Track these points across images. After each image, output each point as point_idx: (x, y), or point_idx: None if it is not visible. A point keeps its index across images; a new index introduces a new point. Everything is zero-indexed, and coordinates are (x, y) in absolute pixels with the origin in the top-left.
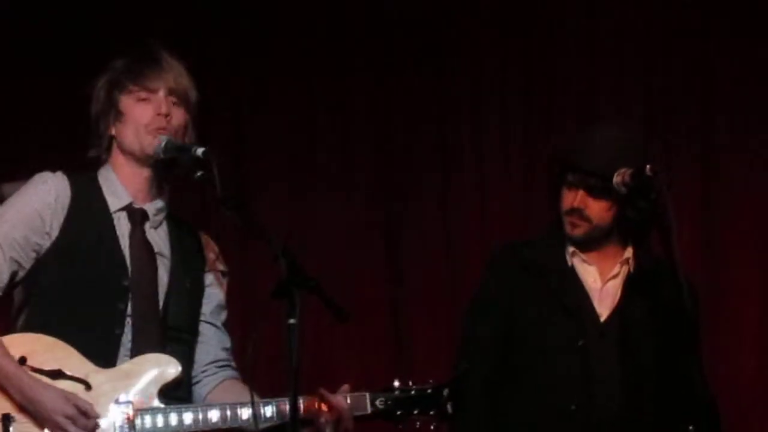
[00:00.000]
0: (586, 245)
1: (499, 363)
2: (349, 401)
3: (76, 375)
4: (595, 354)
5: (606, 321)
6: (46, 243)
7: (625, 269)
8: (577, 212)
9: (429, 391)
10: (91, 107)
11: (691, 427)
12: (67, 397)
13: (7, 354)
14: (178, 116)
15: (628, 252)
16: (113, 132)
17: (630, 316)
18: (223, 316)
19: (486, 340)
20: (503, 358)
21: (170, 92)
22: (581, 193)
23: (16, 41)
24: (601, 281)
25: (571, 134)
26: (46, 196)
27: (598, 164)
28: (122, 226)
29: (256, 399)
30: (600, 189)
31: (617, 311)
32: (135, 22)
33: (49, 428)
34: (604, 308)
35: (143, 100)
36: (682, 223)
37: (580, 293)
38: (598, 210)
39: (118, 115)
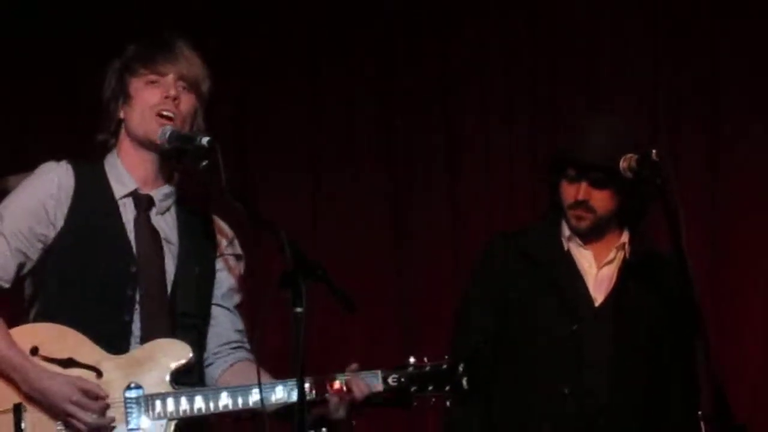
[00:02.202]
0: (583, 235)
1: (494, 349)
2: (361, 379)
3: (88, 363)
4: (589, 338)
5: (601, 305)
6: (52, 233)
7: (620, 254)
8: (582, 205)
9: (444, 367)
10: (103, 91)
11: (700, 413)
12: (73, 382)
13: (13, 345)
14: (187, 102)
15: (624, 237)
16: (122, 115)
17: (625, 301)
18: (236, 299)
19: (481, 328)
20: (497, 344)
21: (180, 77)
22: (584, 185)
23: (17, 35)
24: (597, 266)
25: (570, 128)
26: (49, 186)
27: (600, 156)
28: (128, 213)
29: (267, 381)
30: (602, 180)
31: (612, 296)
32: (137, 14)
33: (60, 417)
34: (599, 293)
35: (152, 83)
36: (688, 215)
37: (575, 278)
38: (602, 200)
39: (127, 98)
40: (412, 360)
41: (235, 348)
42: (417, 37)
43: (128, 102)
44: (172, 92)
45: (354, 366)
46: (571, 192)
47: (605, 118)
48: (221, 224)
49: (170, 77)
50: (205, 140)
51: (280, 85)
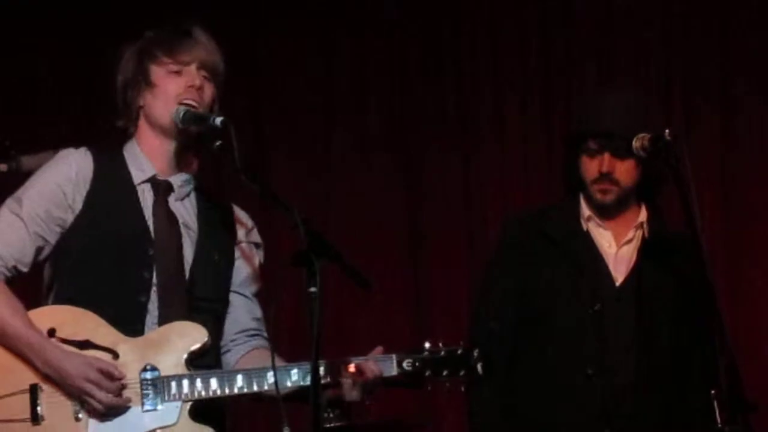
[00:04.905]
0: (607, 210)
1: (514, 331)
2: (376, 363)
3: (104, 344)
4: (611, 318)
5: (622, 285)
6: (70, 217)
7: (639, 234)
8: (606, 177)
9: (459, 351)
10: (117, 76)
11: (713, 391)
12: (90, 362)
13: (31, 325)
14: (208, 91)
15: (642, 216)
16: (142, 103)
17: (646, 281)
18: (254, 287)
19: (499, 311)
20: (518, 326)
21: (202, 66)
22: (607, 156)
23: (29, 14)
24: (616, 245)
25: (585, 102)
26: (67, 170)
27: (620, 125)
28: (146, 198)
29: (281, 364)
30: (625, 149)
31: (633, 275)
32: None
33: (75, 394)
34: (619, 273)
35: (175, 72)
36: (702, 193)
37: (595, 258)
38: (626, 171)
39: (149, 86)
40: (427, 345)
41: (252, 335)
42: (429, 15)
43: (150, 90)
44: (197, 82)
45: (379, 349)
46: (593, 166)
47: (620, 90)
48: (240, 213)
49: (193, 67)
50: (218, 120)
51: (292, 51)
